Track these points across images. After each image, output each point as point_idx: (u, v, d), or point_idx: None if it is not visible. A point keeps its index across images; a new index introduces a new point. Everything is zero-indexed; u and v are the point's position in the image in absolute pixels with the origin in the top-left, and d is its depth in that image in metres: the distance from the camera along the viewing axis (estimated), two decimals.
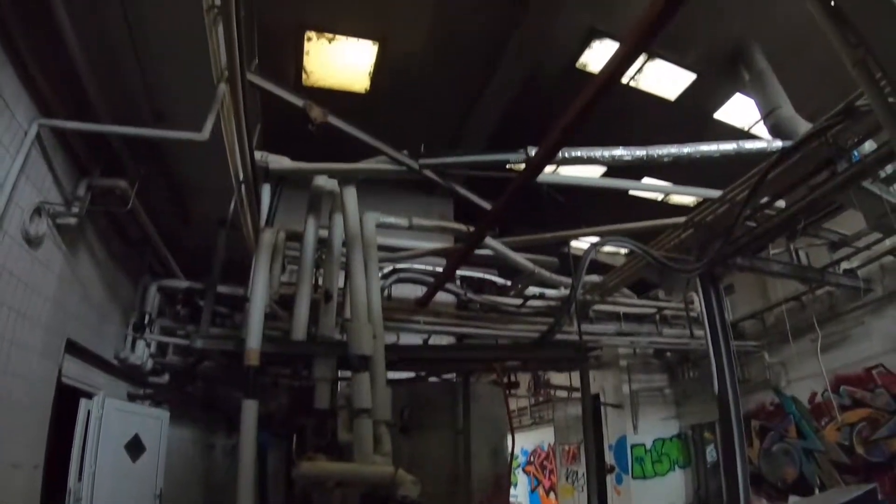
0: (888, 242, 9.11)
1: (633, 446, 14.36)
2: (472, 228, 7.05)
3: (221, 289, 8.14)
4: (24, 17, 4.20)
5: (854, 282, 9.68)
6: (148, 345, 8.32)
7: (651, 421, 14.62)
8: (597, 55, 8.31)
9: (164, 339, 8.63)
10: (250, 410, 5.16)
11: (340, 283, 6.65)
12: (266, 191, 6.54)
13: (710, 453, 13.86)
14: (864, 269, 9.83)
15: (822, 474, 10.46)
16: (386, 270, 8.52)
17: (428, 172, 6.29)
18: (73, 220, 5.49)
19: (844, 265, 9.62)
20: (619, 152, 6.06)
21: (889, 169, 6.16)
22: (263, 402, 5.48)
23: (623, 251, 9.77)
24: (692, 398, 14.16)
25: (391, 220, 7.19)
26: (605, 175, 9.40)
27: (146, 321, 8.21)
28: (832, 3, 3.34)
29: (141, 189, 6.21)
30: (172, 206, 8.05)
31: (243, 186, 5.90)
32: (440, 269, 8.25)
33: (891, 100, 3.39)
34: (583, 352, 7.71)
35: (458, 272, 8.90)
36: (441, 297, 8.71)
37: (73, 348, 6.18)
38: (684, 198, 10.36)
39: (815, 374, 10.28)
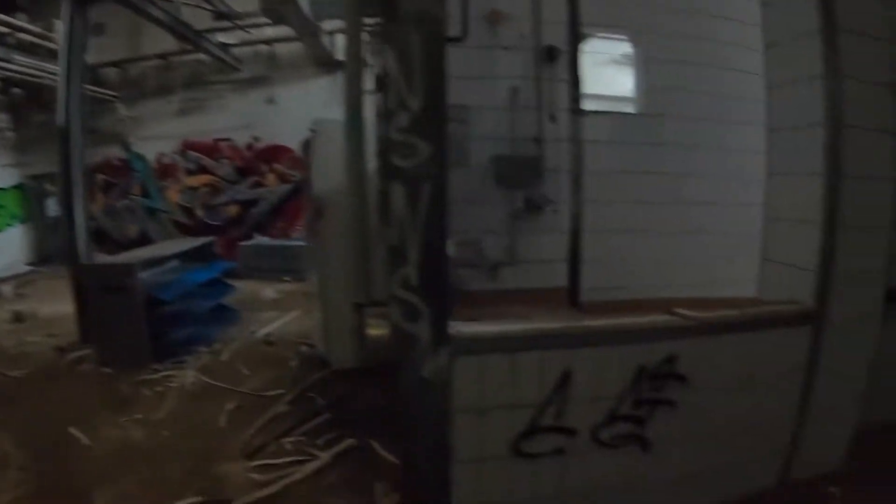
0: (270, 31, 9.71)
1: None
2: None
3: None
4: None
5: (227, 56, 10.06)
6: None
7: None
8: None
9: None
10: None
11: None
12: None
13: (52, 207, 12.39)
14: (239, 50, 10.33)
15: (164, 232, 11.08)
16: None
17: None
18: None
19: (222, 38, 9.76)
20: None
21: None
22: None
23: None
24: (36, 145, 11.99)
25: None
26: None
27: None
28: None
29: None
30: None
31: None
32: None
33: None
34: None
35: None
36: None
37: None
38: None
39: (167, 136, 10.56)
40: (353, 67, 2.73)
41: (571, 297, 5.35)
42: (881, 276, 2.91)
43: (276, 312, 6.80)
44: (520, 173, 5.04)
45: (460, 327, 2.16)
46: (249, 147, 10.73)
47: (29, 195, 12.55)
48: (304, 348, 5.35)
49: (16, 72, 9.05)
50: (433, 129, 2.03)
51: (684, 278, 5.95)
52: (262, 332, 6.00)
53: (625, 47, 5.51)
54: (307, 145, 4.96)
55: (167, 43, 9.66)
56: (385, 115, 2.10)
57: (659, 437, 2.44)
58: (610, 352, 2.24)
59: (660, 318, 2.38)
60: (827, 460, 3.02)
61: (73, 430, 3.67)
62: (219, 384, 4.52)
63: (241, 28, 9.56)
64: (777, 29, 2.81)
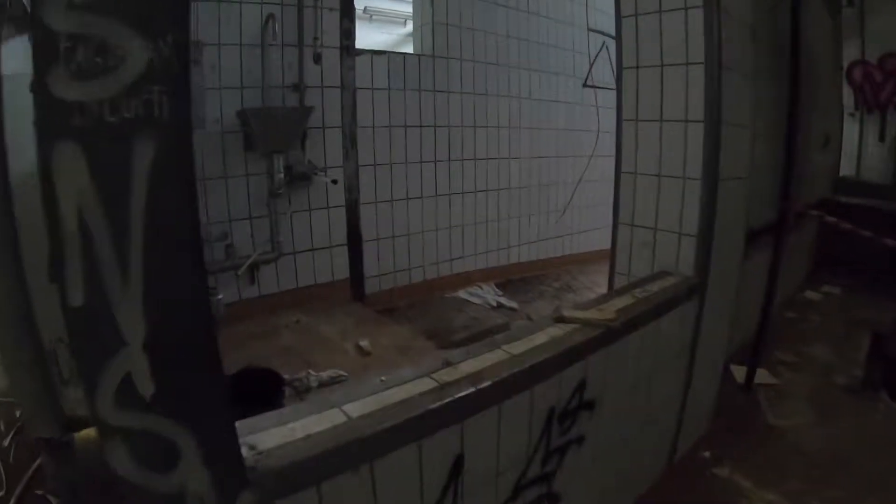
0: None
1: None
2: None
3: None
4: None
5: None
6: None
7: None
8: None
9: None
10: None
11: None
12: None
13: None
14: None
15: None
16: None
17: None
18: None
19: None
20: None
21: None
22: None
23: None
24: None
25: None
26: None
27: None
28: None
29: None
30: None
31: None
32: None
33: None
34: None
35: None
36: None
37: None
38: None
39: None
40: None
41: (354, 290, 4.48)
42: (743, 227, 2.67)
43: None
44: (278, 132, 3.75)
45: (258, 440, 1.07)
46: None
47: None
48: (16, 414, 3.74)
49: None
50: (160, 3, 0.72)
51: (479, 246, 5.45)
52: None
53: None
54: None
55: None
56: None
57: (567, 484, 1.82)
58: (512, 406, 1.45)
59: (559, 333, 1.67)
60: (702, 425, 2.80)
61: None
62: None
63: None
64: None
